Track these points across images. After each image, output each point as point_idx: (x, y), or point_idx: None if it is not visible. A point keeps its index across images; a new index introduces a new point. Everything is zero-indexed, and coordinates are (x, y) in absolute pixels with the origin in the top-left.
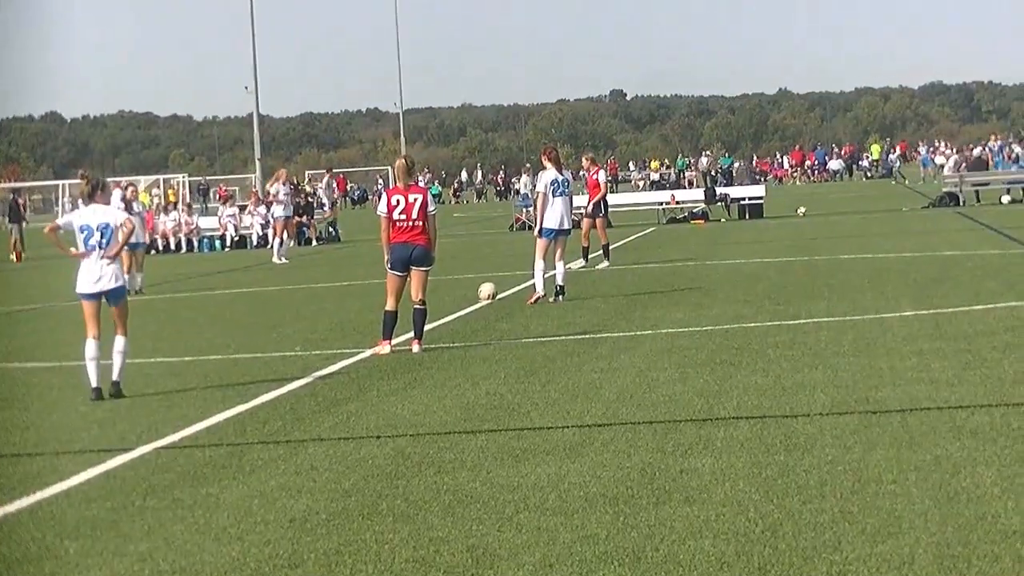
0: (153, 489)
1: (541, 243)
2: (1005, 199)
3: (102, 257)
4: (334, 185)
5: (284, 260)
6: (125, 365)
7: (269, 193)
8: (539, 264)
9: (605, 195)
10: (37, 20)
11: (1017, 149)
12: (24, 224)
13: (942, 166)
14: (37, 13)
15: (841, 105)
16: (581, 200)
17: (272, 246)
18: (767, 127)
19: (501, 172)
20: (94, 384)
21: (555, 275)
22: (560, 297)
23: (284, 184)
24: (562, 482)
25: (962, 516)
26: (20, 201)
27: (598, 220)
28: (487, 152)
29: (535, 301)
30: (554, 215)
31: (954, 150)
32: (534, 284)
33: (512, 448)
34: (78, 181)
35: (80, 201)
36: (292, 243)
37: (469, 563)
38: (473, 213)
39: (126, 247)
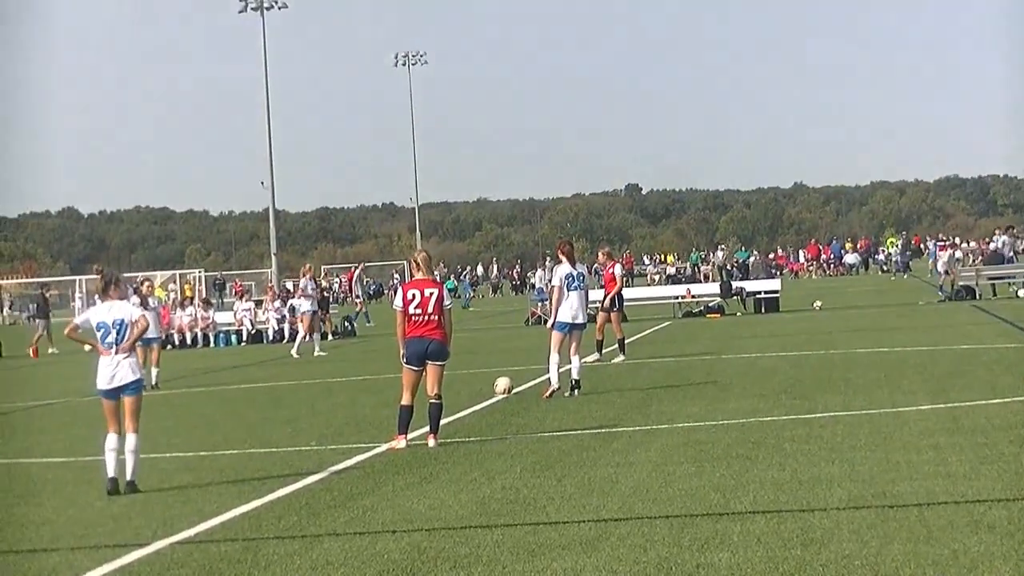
0: None
1: (556, 336)
2: (1022, 293)
3: (117, 353)
4: (365, 278)
5: (321, 353)
6: (139, 463)
7: (298, 288)
8: (554, 357)
9: (621, 289)
10: (54, 117)
11: (1004, 238)
12: (51, 319)
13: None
14: (54, 110)
15: (857, 199)
16: (597, 294)
17: (298, 340)
18: (782, 221)
19: (517, 267)
20: (110, 474)
21: (570, 369)
22: (576, 391)
23: (310, 279)
24: None
25: None
26: (48, 296)
27: (613, 314)
28: (503, 247)
29: (550, 395)
30: (568, 309)
31: (947, 245)
32: (549, 378)
33: (528, 543)
34: (94, 276)
35: (96, 297)
36: (318, 337)
37: None
38: (489, 308)
39: (140, 342)
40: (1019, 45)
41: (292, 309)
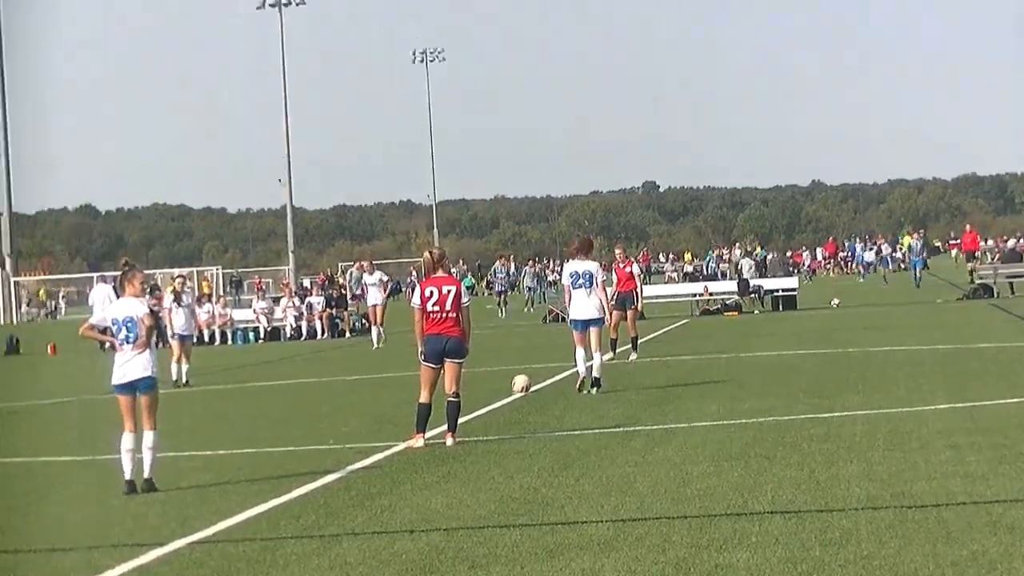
0: None
1: (575, 335)
2: None
3: (132, 349)
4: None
5: (380, 345)
6: (156, 460)
7: (361, 283)
8: (579, 352)
9: (639, 287)
10: (72, 114)
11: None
12: None
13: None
14: (72, 107)
15: (874, 197)
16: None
17: (373, 334)
18: (800, 219)
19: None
20: (127, 477)
21: (591, 366)
22: (596, 388)
23: (371, 272)
24: None
25: None
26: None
27: (630, 312)
28: (520, 244)
29: (581, 385)
30: (576, 306)
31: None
32: (577, 371)
33: (546, 543)
34: (116, 273)
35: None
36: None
37: None
38: (507, 305)
39: (177, 337)
40: None
41: (309, 306)
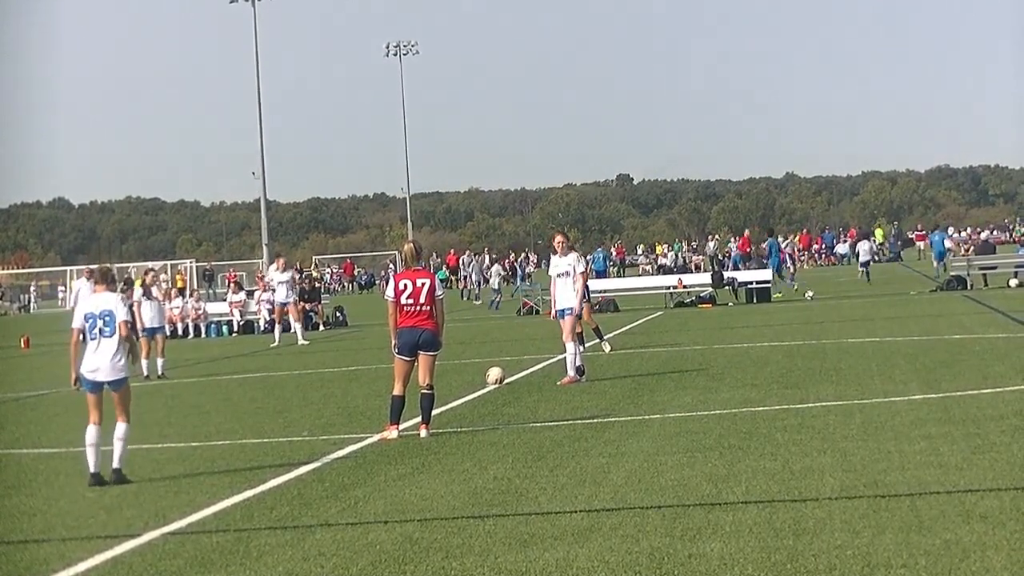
0: None
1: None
2: (1013, 283)
3: (106, 345)
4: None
5: (275, 344)
6: (126, 451)
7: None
8: (571, 347)
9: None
10: (45, 107)
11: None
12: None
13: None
14: (46, 100)
15: (848, 189)
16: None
17: (276, 332)
18: (774, 211)
19: (510, 257)
20: (92, 469)
21: (576, 355)
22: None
23: (283, 271)
24: (570, 567)
25: None
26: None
27: (585, 305)
28: (494, 237)
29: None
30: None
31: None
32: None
33: (520, 533)
34: (84, 267)
35: (85, 281)
36: (279, 329)
37: None
38: (482, 298)
39: (144, 332)
40: (1015, 34)
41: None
